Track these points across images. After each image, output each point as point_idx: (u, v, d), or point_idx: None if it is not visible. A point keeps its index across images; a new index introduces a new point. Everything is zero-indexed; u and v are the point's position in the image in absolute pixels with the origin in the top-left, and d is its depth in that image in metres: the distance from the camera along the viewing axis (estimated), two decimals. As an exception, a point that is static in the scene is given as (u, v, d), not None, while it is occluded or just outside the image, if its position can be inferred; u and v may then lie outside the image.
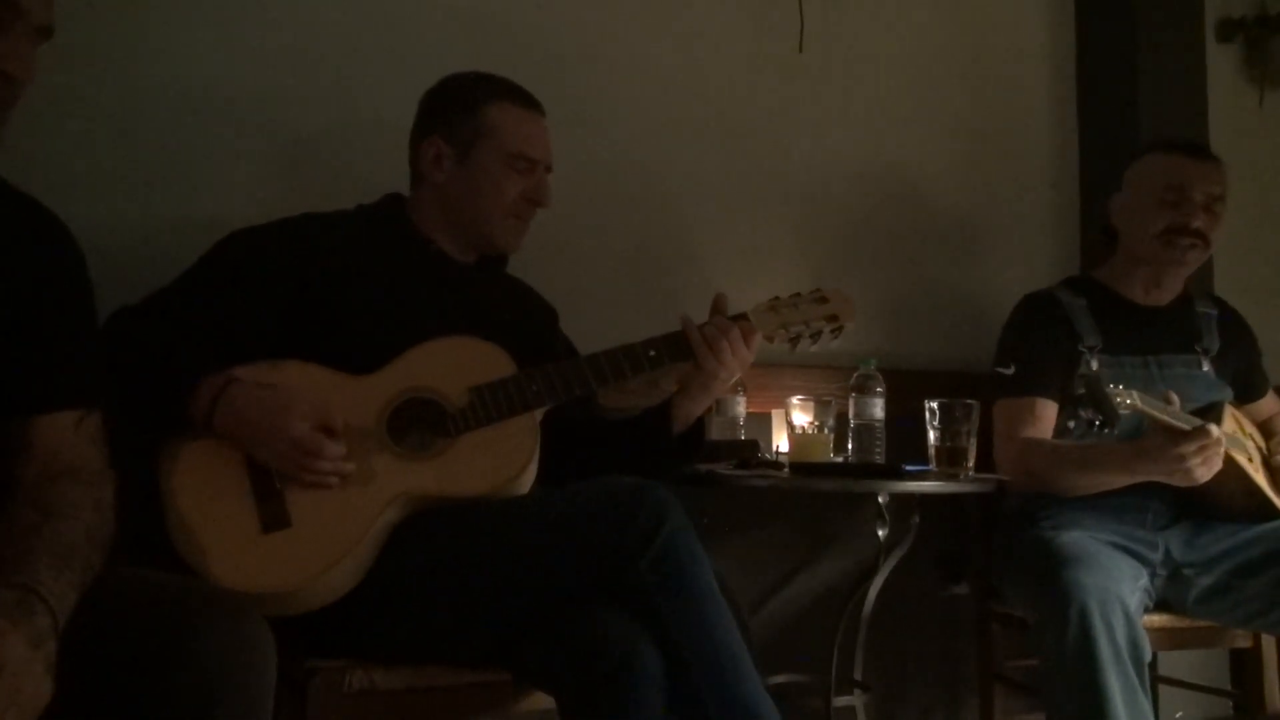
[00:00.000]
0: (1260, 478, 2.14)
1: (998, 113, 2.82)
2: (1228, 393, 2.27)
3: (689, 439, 1.82)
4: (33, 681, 1.01)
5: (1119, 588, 1.92)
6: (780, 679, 2.24)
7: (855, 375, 2.17)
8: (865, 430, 2.15)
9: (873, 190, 2.65)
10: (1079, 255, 2.84)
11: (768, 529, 2.47)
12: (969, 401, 2.04)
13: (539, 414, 1.68)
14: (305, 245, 1.74)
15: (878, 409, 2.15)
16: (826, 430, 2.09)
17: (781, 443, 2.21)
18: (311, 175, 2.06)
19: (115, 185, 1.93)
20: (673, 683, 1.42)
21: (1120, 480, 2.10)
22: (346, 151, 2.10)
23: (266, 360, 1.63)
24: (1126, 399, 1.88)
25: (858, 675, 2.26)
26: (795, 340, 1.83)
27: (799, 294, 1.85)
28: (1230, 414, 2.14)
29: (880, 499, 2.13)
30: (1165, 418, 1.96)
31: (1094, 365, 2.22)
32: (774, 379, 2.33)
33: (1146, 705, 1.87)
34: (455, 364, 1.66)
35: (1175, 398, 2.03)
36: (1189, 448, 1.95)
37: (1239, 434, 2.13)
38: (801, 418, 2.09)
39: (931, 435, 2.05)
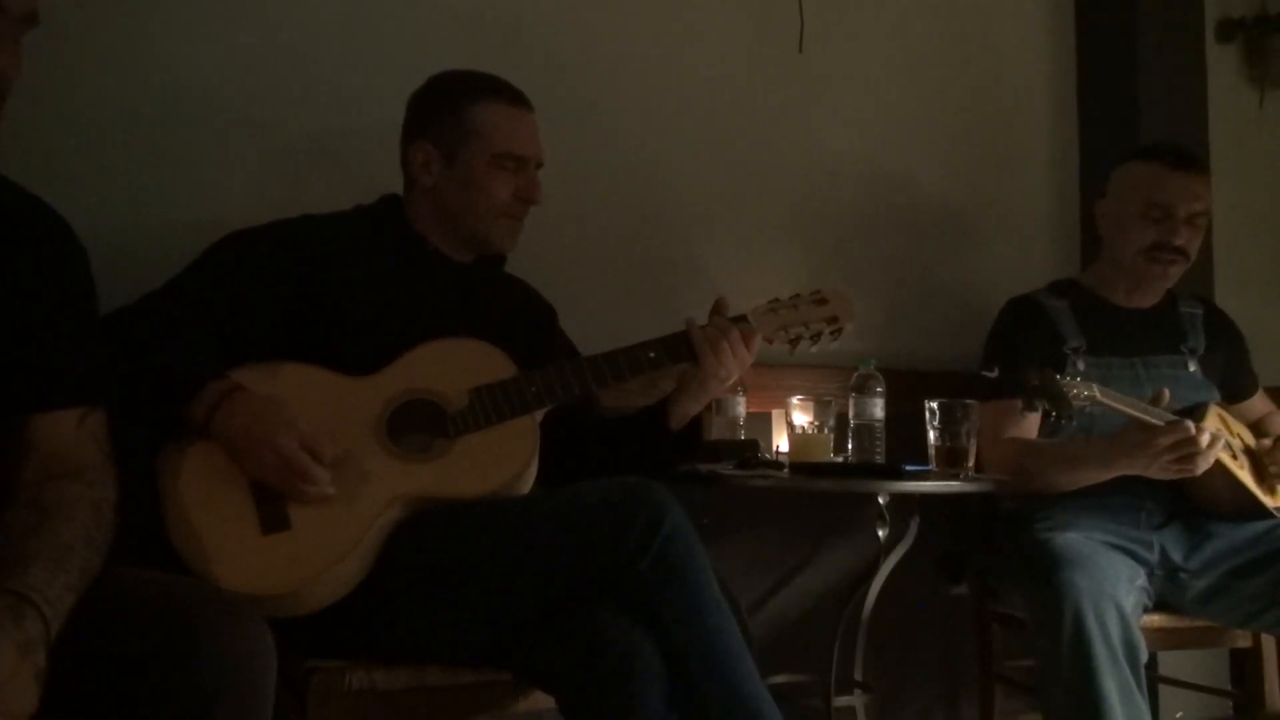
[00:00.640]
0: (1246, 475, 2.14)
1: (998, 113, 2.82)
2: (1214, 394, 2.28)
3: (686, 438, 1.82)
4: (19, 690, 1.01)
5: (1114, 588, 1.92)
6: (780, 679, 2.23)
7: (855, 375, 2.18)
8: (865, 430, 2.15)
9: (873, 190, 2.65)
10: (1079, 255, 2.84)
11: (768, 529, 2.47)
12: (969, 401, 2.04)
13: (539, 415, 1.68)
14: (303, 247, 1.74)
15: (878, 409, 2.15)
16: (826, 430, 2.09)
17: (781, 443, 2.22)
18: (310, 176, 2.06)
19: (115, 185, 1.93)
20: (673, 682, 1.42)
21: (1100, 475, 2.11)
22: (346, 152, 2.09)
23: (266, 363, 1.63)
24: (1085, 391, 1.90)
25: (858, 675, 2.26)
26: (795, 342, 1.83)
27: (798, 295, 1.85)
28: (1215, 413, 2.15)
29: (880, 499, 2.13)
30: (1133, 411, 1.98)
31: (1080, 367, 2.23)
32: (774, 379, 2.33)
33: (1143, 705, 1.87)
34: (455, 365, 1.66)
35: (1167, 394, 2.03)
36: (1165, 441, 1.97)
37: (1225, 432, 2.14)
38: (801, 418, 2.09)
39: (931, 435, 2.05)
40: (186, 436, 1.56)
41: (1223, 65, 3.06)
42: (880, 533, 2.16)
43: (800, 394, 2.16)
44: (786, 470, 1.98)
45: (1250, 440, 2.27)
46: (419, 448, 1.61)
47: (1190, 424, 1.98)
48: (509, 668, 1.56)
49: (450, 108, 1.81)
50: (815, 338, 1.83)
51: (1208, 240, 2.44)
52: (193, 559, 1.48)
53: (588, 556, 1.47)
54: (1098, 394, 1.92)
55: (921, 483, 1.98)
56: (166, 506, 1.52)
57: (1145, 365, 2.28)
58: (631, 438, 1.83)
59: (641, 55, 2.42)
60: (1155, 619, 2.11)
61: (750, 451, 2.04)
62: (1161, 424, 1.99)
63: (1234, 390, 2.37)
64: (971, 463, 2.04)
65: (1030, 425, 2.23)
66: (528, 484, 1.64)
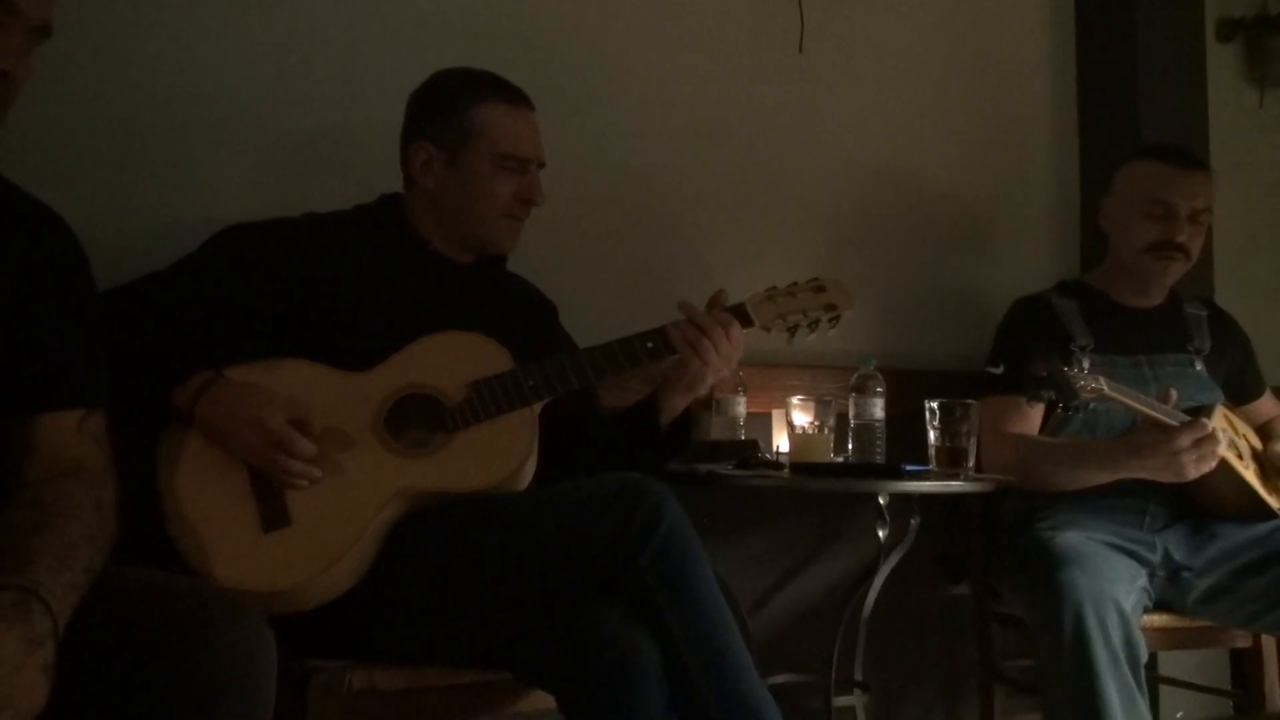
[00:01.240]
0: (1251, 476, 2.14)
1: (998, 113, 2.82)
2: (1219, 394, 2.28)
3: (676, 432, 1.81)
4: (28, 683, 1.01)
5: (1114, 588, 1.92)
6: (780, 679, 2.23)
7: (855, 375, 2.17)
8: (865, 430, 2.15)
9: (873, 190, 2.65)
10: (1079, 255, 2.84)
11: (768, 529, 2.47)
12: (969, 401, 2.04)
13: (537, 409, 1.68)
14: (304, 243, 1.74)
15: (878, 409, 2.15)
16: (826, 430, 2.09)
17: (781, 443, 2.21)
18: (310, 176, 2.06)
19: (115, 185, 1.93)
20: (672, 680, 1.42)
21: (1107, 476, 2.10)
22: (346, 152, 2.09)
23: (264, 359, 1.63)
24: (1092, 383, 1.89)
25: (858, 675, 2.26)
26: (793, 330, 1.82)
27: (796, 283, 1.84)
28: (1221, 414, 2.15)
29: (880, 499, 2.12)
30: (1142, 407, 1.97)
31: (1085, 364, 2.23)
32: (774, 379, 2.33)
33: (1144, 706, 1.88)
34: (452, 359, 1.66)
35: (1175, 394, 2.03)
36: (1184, 441, 1.96)
37: (1230, 433, 2.14)
38: (801, 418, 2.09)
39: (931, 435, 2.05)
40: (182, 430, 1.56)
41: (1223, 65, 3.06)
42: (880, 533, 2.15)
43: (800, 394, 2.16)
44: (786, 470, 1.98)
45: (1256, 443, 2.27)
46: (418, 442, 1.61)
47: (1207, 422, 1.97)
48: (509, 667, 1.56)
49: (451, 107, 1.80)
50: (813, 325, 1.82)
51: (1208, 240, 2.44)
52: (193, 557, 1.48)
53: (587, 554, 1.47)
54: (1105, 387, 1.91)
55: (921, 483, 1.98)
56: (167, 505, 1.52)
57: (1151, 364, 2.28)
58: (622, 434, 1.82)
59: (641, 55, 2.41)
60: (1156, 619, 2.11)
61: (750, 451, 2.04)
62: (1176, 423, 1.98)
63: (1239, 392, 2.37)
64: (971, 462, 2.04)
65: (1033, 422, 2.23)
66: (528, 476, 1.64)
